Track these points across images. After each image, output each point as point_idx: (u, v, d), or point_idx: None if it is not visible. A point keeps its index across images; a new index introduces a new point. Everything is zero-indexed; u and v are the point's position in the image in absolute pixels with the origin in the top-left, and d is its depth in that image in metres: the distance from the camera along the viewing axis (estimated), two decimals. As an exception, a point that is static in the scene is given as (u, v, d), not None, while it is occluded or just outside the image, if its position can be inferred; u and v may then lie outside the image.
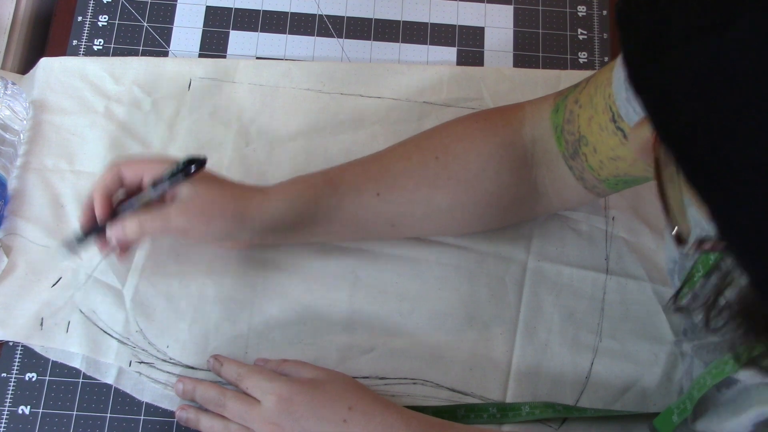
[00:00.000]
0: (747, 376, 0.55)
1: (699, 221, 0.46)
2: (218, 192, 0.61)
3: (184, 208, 0.59)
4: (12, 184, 0.70)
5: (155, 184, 0.59)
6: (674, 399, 0.64)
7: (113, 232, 0.60)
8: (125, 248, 0.64)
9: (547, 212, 0.71)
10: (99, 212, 0.61)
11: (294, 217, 0.63)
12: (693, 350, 0.60)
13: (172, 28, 0.79)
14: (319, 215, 0.63)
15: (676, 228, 0.36)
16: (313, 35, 0.80)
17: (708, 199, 0.30)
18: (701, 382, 0.58)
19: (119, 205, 0.61)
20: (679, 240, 0.36)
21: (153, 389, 0.64)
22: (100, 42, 0.78)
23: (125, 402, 0.65)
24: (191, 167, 0.57)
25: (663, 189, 0.37)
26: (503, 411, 0.65)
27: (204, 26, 0.80)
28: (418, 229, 0.68)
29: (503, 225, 0.70)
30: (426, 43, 0.81)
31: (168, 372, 0.65)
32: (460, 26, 0.82)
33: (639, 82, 0.32)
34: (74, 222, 0.69)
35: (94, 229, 0.61)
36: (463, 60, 0.80)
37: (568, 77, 0.78)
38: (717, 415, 0.56)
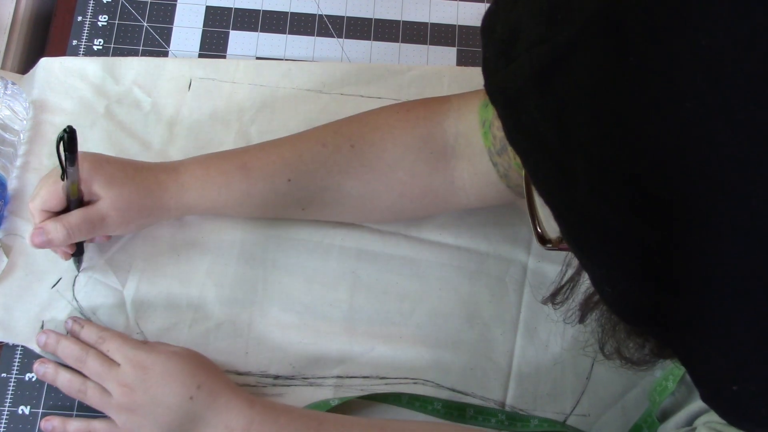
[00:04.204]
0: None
1: None
2: (132, 192, 0.62)
3: (105, 212, 0.61)
4: (12, 184, 0.70)
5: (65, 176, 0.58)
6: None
7: (35, 238, 0.61)
8: (62, 251, 0.64)
9: (464, 207, 0.69)
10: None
11: (207, 202, 0.65)
12: None
13: (172, 28, 0.79)
14: (231, 200, 0.65)
15: (538, 229, 0.39)
16: (313, 35, 0.80)
17: (546, 200, 0.32)
18: (653, 398, 0.60)
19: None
20: (543, 240, 0.39)
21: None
22: (100, 42, 0.78)
23: (125, 402, 0.64)
24: (66, 137, 0.55)
25: (530, 193, 0.39)
26: (512, 419, 0.65)
27: (204, 26, 0.80)
28: (328, 214, 0.69)
29: (416, 216, 0.70)
30: (426, 43, 0.81)
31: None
32: (460, 26, 0.82)
33: (491, 89, 0.34)
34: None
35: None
36: (463, 60, 0.80)
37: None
38: (673, 419, 0.58)
